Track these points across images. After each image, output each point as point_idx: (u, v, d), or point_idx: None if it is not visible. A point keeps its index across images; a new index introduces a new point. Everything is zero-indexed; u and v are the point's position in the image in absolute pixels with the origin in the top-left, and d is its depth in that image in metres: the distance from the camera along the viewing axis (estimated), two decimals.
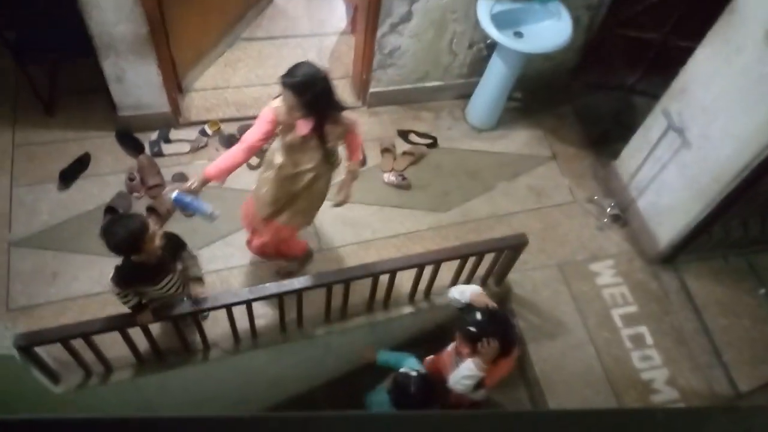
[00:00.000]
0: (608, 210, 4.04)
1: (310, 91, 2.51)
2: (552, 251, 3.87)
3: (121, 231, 2.37)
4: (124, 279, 2.56)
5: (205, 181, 2.69)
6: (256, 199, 3.03)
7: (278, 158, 2.81)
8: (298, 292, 2.95)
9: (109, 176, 3.79)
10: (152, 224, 2.45)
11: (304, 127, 2.65)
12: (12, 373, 2.73)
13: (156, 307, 2.73)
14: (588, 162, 4.36)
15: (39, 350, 2.76)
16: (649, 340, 3.60)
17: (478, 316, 2.56)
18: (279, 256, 3.34)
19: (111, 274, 2.56)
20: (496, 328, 2.55)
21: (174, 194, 2.69)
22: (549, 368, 3.46)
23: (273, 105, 2.68)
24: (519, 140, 4.41)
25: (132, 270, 2.54)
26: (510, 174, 4.21)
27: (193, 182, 2.70)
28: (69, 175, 3.72)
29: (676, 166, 3.53)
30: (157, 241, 2.46)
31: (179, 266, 2.74)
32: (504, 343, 2.56)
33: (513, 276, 3.59)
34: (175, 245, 2.68)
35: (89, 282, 3.38)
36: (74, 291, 3.36)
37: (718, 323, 3.70)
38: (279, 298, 2.94)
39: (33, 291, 3.34)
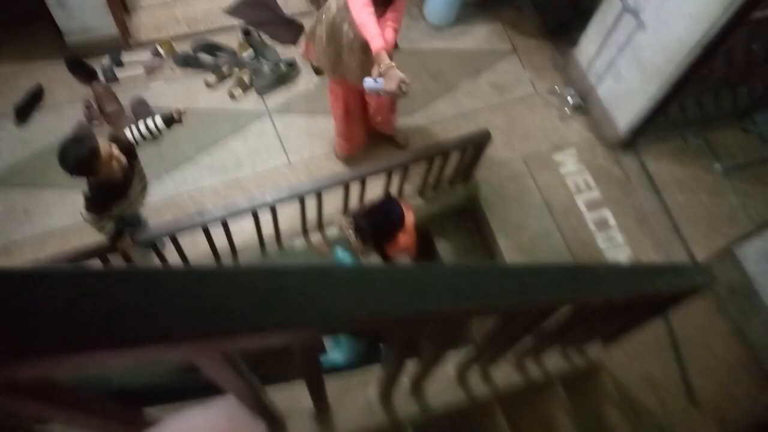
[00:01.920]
0: (569, 99, 4.10)
1: None
2: (516, 145, 3.95)
3: (70, 157, 2.28)
4: (96, 203, 2.49)
5: (387, 58, 2.61)
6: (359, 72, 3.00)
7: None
8: (272, 207, 3.01)
9: (66, 106, 3.70)
10: (106, 146, 2.33)
11: None
12: None
13: (132, 231, 2.77)
14: (548, 53, 4.37)
15: None
16: (612, 222, 3.78)
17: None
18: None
19: (83, 205, 2.53)
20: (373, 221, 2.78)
21: (367, 83, 2.66)
22: (519, 258, 3.63)
23: None
24: (479, 35, 4.37)
25: (100, 191, 2.49)
26: (472, 71, 4.21)
27: (380, 67, 2.59)
28: (24, 110, 3.62)
29: (632, 50, 3.56)
30: (115, 164, 2.38)
31: (137, 165, 2.69)
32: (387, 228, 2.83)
33: (480, 173, 3.68)
34: (128, 150, 2.55)
35: (63, 215, 3.39)
36: (50, 225, 3.38)
37: (677, 200, 3.87)
38: (254, 214, 3.00)
39: (7, 230, 3.34)
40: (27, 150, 3.56)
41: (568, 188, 3.86)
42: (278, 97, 3.87)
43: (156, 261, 3.14)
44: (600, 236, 3.73)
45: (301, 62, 4.00)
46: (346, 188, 3.19)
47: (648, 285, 1.21)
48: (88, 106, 3.66)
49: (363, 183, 3.22)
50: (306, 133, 3.77)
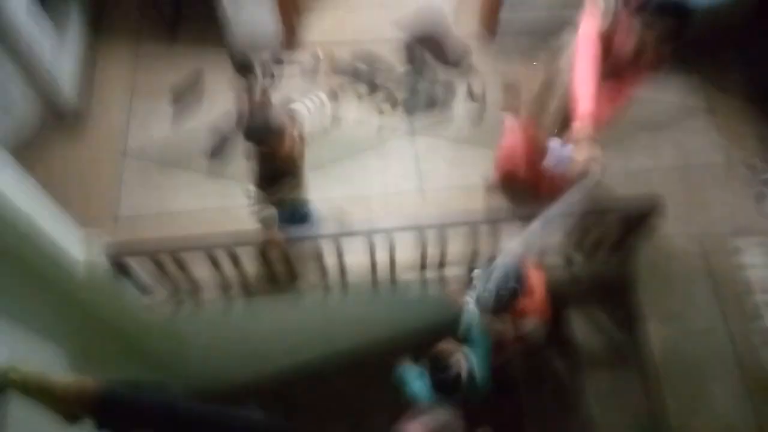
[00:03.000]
0: None
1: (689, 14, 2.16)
2: (692, 218, 3.31)
3: (258, 125, 2.46)
4: (265, 179, 2.53)
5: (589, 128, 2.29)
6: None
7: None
8: (390, 235, 2.71)
9: (219, 96, 3.72)
10: (291, 127, 2.45)
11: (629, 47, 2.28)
12: (102, 283, 2.77)
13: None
14: (751, 120, 3.67)
15: (135, 262, 2.77)
16: None
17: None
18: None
19: (252, 181, 2.54)
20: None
21: (553, 145, 2.43)
22: (669, 352, 3.01)
23: (593, 27, 2.30)
24: (670, 86, 3.78)
25: (270, 167, 2.52)
26: (652, 124, 3.64)
27: (577, 134, 2.27)
28: (183, 93, 3.71)
29: None
30: (292, 145, 2.46)
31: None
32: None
33: (641, 243, 3.10)
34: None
35: (190, 199, 3.37)
36: (175, 206, 3.37)
37: None
38: (369, 238, 2.73)
39: (138, 203, 3.39)
40: (174, 130, 3.61)
41: (748, 283, 3.14)
42: (426, 120, 3.60)
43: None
44: None
45: (461, 89, 3.69)
46: (476, 230, 2.81)
47: None
48: (240, 98, 3.65)
49: (496, 227, 2.82)
50: (447, 161, 3.45)
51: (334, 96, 3.60)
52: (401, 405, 2.59)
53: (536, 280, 2.55)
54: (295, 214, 2.81)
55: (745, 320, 3.06)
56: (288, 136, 2.43)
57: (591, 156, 2.19)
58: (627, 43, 2.25)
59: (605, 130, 2.64)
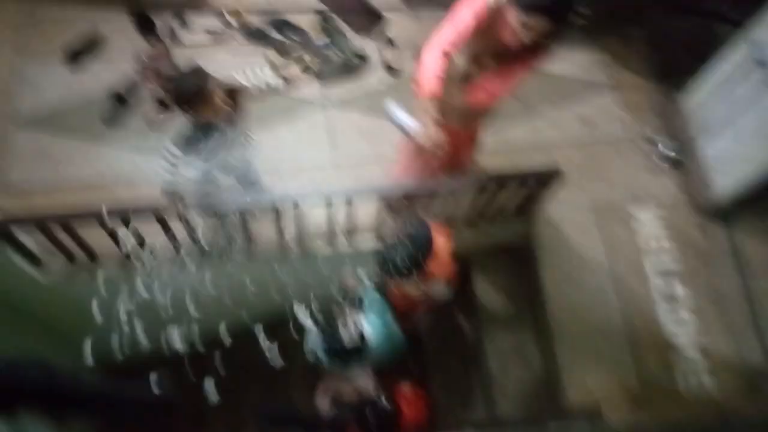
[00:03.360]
0: (663, 150, 3.58)
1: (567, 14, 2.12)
2: (591, 188, 3.47)
3: (182, 86, 2.41)
4: (189, 142, 2.49)
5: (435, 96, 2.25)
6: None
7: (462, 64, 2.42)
8: (297, 205, 2.70)
9: (120, 60, 3.54)
10: (217, 90, 2.40)
11: (512, 37, 2.20)
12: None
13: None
14: (650, 94, 3.85)
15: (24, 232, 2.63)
16: (681, 296, 3.24)
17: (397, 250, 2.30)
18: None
19: (170, 138, 2.47)
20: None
21: (391, 108, 2.44)
22: (565, 315, 3.17)
23: (488, 2, 2.20)
24: (576, 62, 3.90)
25: (197, 131, 2.48)
26: (560, 99, 3.76)
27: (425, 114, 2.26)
28: (78, 54, 3.50)
29: (754, 108, 3.02)
30: (219, 110, 2.42)
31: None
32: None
33: (542, 211, 3.25)
34: (235, 98, 2.57)
35: (89, 167, 3.24)
36: (73, 175, 3.22)
37: (761, 287, 3.28)
38: (276, 210, 2.71)
39: (30, 171, 3.22)
40: (71, 96, 3.43)
41: (639, 248, 3.35)
42: (341, 90, 3.56)
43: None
44: (664, 311, 3.20)
45: (375, 58, 3.67)
46: (387, 203, 2.84)
47: None
48: (143, 65, 3.47)
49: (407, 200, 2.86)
50: (360, 132, 3.44)
51: (274, 67, 3.51)
52: (315, 370, 2.62)
53: (442, 244, 2.60)
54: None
55: (634, 284, 3.26)
56: (214, 100, 2.39)
57: (430, 133, 2.22)
58: (510, 32, 2.21)
59: (508, 103, 2.72)
